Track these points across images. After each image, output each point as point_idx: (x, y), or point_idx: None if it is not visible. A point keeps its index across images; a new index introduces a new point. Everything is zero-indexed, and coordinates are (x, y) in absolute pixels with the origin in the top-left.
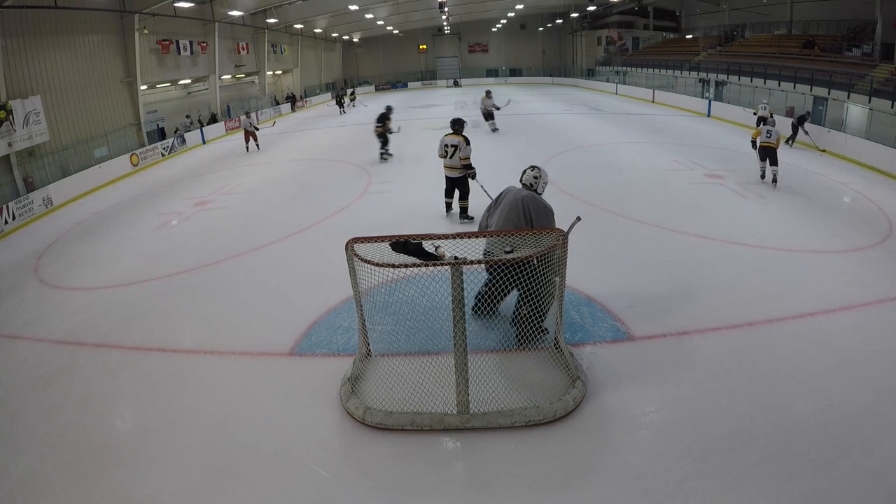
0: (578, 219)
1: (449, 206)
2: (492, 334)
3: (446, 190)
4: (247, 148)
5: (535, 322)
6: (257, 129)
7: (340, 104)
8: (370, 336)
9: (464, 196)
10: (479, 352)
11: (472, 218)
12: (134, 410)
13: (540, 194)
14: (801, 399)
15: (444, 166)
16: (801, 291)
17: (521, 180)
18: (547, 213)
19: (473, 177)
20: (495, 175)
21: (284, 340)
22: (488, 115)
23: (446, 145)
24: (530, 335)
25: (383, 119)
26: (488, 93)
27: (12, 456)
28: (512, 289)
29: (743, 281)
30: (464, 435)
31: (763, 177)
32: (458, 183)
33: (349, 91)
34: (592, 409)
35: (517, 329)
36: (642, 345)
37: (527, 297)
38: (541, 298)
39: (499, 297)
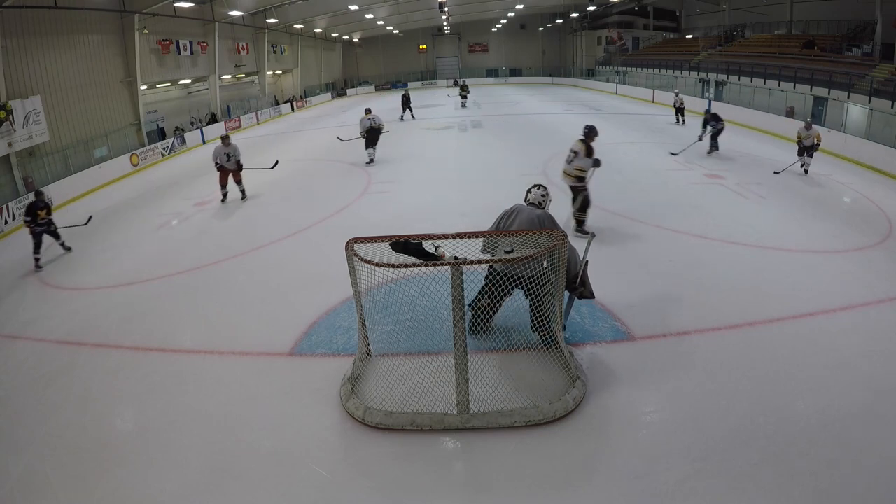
0: (593, 235)
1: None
2: (491, 334)
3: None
4: (223, 195)
5: (555, 322)
6: (241, 168)
7: (407, 106)
8: (370, 336)
9: (580, 208)
10: (479, 352)
11: (589, 234)
12: (134, 410)
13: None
14: (801, 399)
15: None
16: (801, 291)
17: (526, 199)
18: (562, 231)
19: (580, 191)
20: (497, 174)
21: (284, 340)
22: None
23: (570, 150)
24: (554, 335)
25: (33, 211)
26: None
27: (12, 456)
28: (507, 297)
29: (743, 281)
30: (464, 435)
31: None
32: (573, 191)
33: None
34: (592, 409)
35: (541, 334)
36: (642, 345)
37: (539, 302)
38: (553, 297)
39: (494, 309)
